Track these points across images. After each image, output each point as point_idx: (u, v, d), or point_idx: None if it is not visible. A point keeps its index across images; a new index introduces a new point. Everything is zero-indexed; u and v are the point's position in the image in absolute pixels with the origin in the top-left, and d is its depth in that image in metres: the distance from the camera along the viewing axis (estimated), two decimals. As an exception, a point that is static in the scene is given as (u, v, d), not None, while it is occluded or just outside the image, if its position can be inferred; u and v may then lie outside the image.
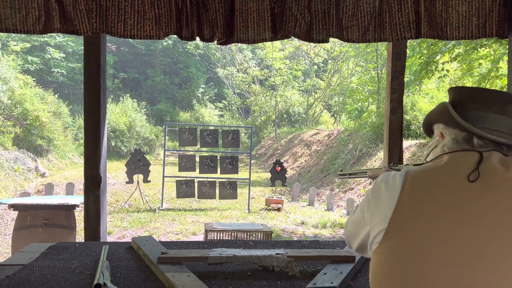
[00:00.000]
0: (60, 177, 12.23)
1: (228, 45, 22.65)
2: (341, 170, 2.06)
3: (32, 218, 4.45)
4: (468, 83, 10.78)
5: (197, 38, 1.91)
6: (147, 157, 8.71)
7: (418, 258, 0.91)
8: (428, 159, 1.17)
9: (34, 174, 11.79)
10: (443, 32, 1.90)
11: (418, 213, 0.94)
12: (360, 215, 1.11)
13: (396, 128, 2.84)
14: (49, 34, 22.90)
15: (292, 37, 1.97)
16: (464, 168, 0.97)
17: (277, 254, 1.64)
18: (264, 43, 21.28)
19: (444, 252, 0.89)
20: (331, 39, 1.98)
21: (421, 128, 11.15)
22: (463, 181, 0.95)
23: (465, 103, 1.09)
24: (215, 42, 1.91)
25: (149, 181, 8.50)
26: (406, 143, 10.39)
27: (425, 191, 0.97)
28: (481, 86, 8.45)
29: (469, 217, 0.91)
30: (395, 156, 2.82)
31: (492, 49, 7.66)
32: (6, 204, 4.84)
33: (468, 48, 7.21)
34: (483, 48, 7.45)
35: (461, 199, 0.94)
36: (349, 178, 1.96)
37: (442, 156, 1.05)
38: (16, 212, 4.55)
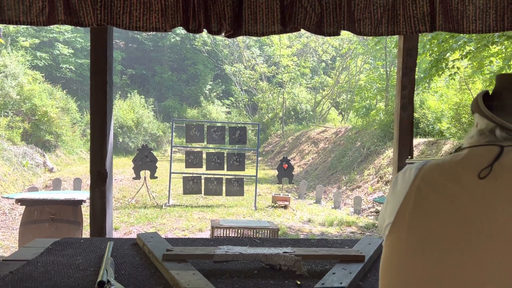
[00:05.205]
0: (68, 172, 12.30)
1: (236, 42, 22.49)
2: (410, 158, 2.00)
3: (39, 213, 4.46)
4: (479, 81, 10.63)
5: (204, 31, 1.87)
6: (154, 153, 8.71)
7: (420, 256, 0.86)
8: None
9: (42, 169, 11.86)
10: (459, 25, 1.83)
11: (423, 208, 0.89)
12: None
13: (407, 125, 2.78)
14: (57, 30, 23.03)
15: (301, 32, 1.93)
16: (480, 163, 0.89)
17: (284, 252, 1.60)
18: (272, 40, 21.04)
19: (448, 252, 0.83)
20: (341, 34, 1.94)
21: (430, 126, 11.01)
22: (474, 177, 0.88)
23: (503, 92, 1.00)
24: (223, 34, 1.87)
25: (156, 177, 8.51)
26: (414, 141, 10.30)
27: (434, 187, 0.90)
28: (491, 85, 8.33)
29: (476, 218, 0.84)
30: (405, 154, 2.77)
31: (503, 46, 7.53)
32: (14, 198, 4.86)
33: (479, 45, 7.10)
34: (494, 46, 7.32)
35: (469, 197, 0.86)
36: None
37: (464, 149, 0.97)
38: (24, 207, 4.56)
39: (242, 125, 10.90)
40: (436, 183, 0.90)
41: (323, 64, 25.82)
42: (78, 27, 1.85)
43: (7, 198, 5.62)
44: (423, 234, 0.87)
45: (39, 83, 15.05)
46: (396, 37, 10.27)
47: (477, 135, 0.99)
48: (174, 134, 9.88)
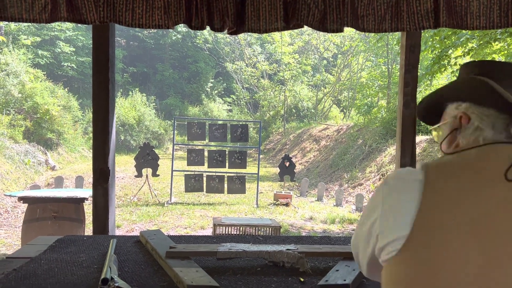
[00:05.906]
0: (70, 170, 12.32)
1: (237, 40, 22.44)
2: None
3: (42, 211, 4.46)
4: (481, 78, 10.59)
5: (207, 27, 1.86)
6: (156, 151, 8.72)
7: (444, 276, 0.74)
8: (444, 150, 0.98)
9: (44, 167, 11.88)
10: (462, 22, 1.83)
11: (444, 223, 0.77)
12: (367, 221, 0.93)
13: (409, 123, 2.77)
14: (59, 28, 23.03)
15: (302, 29, 1.92)
16: (500, 164, 0.79)
17: (287, 249, 1.60)
18: (273, 37, 21.00)
19: (485, 273, 0.72)
20: (344, 31, 1.93)
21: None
22: (500, 180, 0.77)
23: (502, 79, 0.89)
24: (225, 31, 1.86)
25: (158, 175, 8.51)
26: (416, 138, 10.28)
27: (452, 196, 0.78)
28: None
29: (505, 220, 0.75)
30: (408, 151, 2.76)
31: (506, 43, 7.50)
32: (16, 196, 4.87)
33: (481, 42, 7.07)
34: (497, 42, 7.29)
35: (499, 203, 0.76)
36: None
37: (470, 150, 0.87)
38: (26, 205, 4.57)
39: (244, 123, 10.89)
40: (452, 191, 0.80)
41: (325, 61, 25.77)
42: (80, 24, 1.85)
43: (10, 196, 5.63)
44: (450, 251, 0.75)
45: (41, 81, 15.07)
46: (398, 34, 10.25)
47: (489, 129, 0.89)
48: (175, 132, 9.89)
